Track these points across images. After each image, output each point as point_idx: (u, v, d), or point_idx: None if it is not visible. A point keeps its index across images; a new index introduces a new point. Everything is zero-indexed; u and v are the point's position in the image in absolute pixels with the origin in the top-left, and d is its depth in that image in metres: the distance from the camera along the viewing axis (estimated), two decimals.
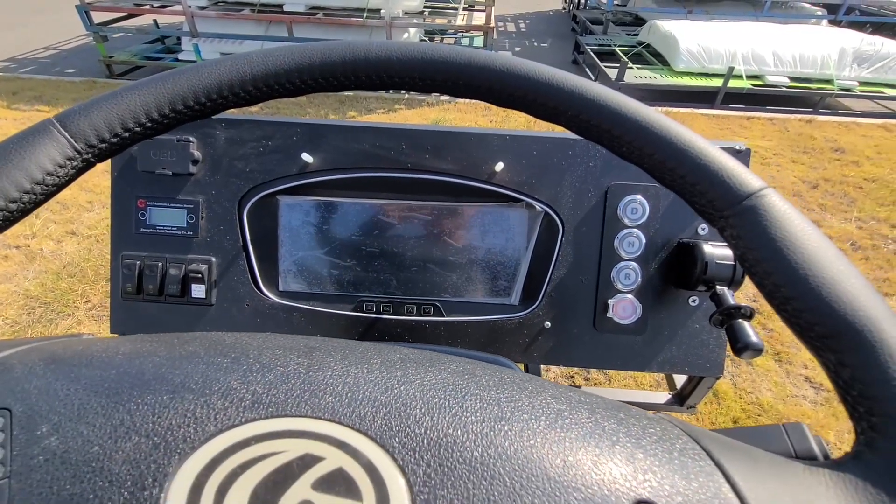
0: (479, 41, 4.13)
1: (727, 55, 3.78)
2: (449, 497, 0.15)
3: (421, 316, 0.53)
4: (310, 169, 0.51)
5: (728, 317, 0.43)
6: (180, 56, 4.18)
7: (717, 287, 0.46)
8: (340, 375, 0.18)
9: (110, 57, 4.02)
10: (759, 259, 0.21)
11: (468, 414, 0.17)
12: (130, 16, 4.29)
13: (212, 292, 0.52)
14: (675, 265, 0.51)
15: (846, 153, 3.14)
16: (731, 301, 0.44)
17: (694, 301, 0.52)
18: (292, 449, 0.16)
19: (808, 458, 0.22)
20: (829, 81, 3.79)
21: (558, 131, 0.52)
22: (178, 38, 4.30)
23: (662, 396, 0.61)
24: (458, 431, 0.16)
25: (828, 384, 1.67)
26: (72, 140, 0.24)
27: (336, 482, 0.15)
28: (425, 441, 0.16)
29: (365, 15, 3.77)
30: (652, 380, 1.63)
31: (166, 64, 4.04)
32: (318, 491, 0.15)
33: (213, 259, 0.52)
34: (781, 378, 1.71)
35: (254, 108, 2.89)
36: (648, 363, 0.52)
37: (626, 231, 0.51)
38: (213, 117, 0.52)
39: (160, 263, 0.52)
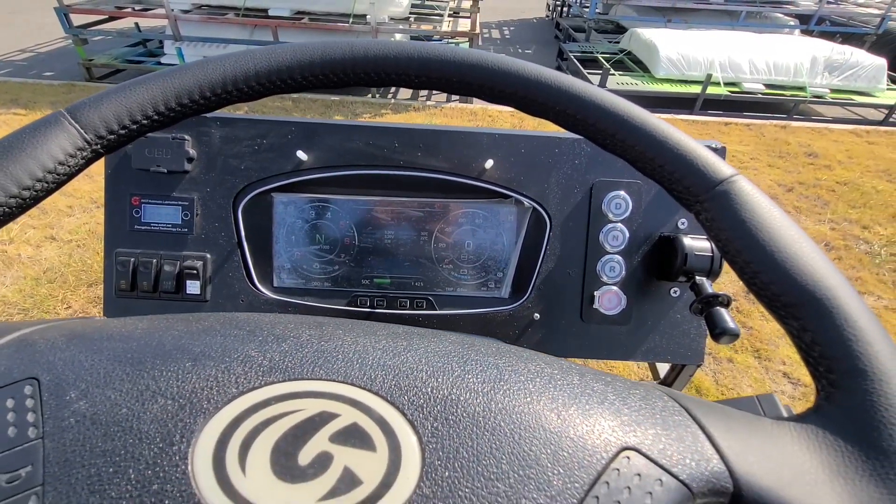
0: (464, 47, 4.16)
1: (705, 63, 3.88)
2: (455, 446, 0.16)
3: (414, 310, 0.55)
4: (304, 167, 0.52)
5: (707, 305, 0.45)
6: (162, 59, 4.12)
7: (697, 277, 0.48)
8: (350, 344, 0.20)
9: (90, 60, 3.94)
10: (731, 238, 0.24)
11: (469, 376, 0.19)
12: (111, 18, 4.21)
13: (206, 288, 0.53)
14: (657, 258, 0.53)
15: (819, 157, 3.25)
16: (710, 290, 0.47)
17: (675, 292, 0.54)
18: (309, 408, 0.17)
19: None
20: (802, 89, 3.93)
21: (546, 130, 0.55)
22: (161, 42, 4.24)
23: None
24: (461, 391, 0.18)
25: (806, 379, 1.73)
26: (82, 131, 0.25)
27: (352, 435, 0.16)
28: (432, 399, 0.18)
29: (350, 20, 3.77)
30: (633, 372, 1.66)
31: (148, 67, 3.98)
32: (336, 443, 0.16)
33: (208, 255, 0.53)
34: (761, 374, 1.76)
35: (242, 111, 2.87)
36: (633, 352, 0.54)
37: (610, 225, 0.53)
38: (207, 115, 0.53)
39: (155, 260, 0.52)
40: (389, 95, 3.98)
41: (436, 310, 0.55)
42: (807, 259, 0.22)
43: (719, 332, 0.43)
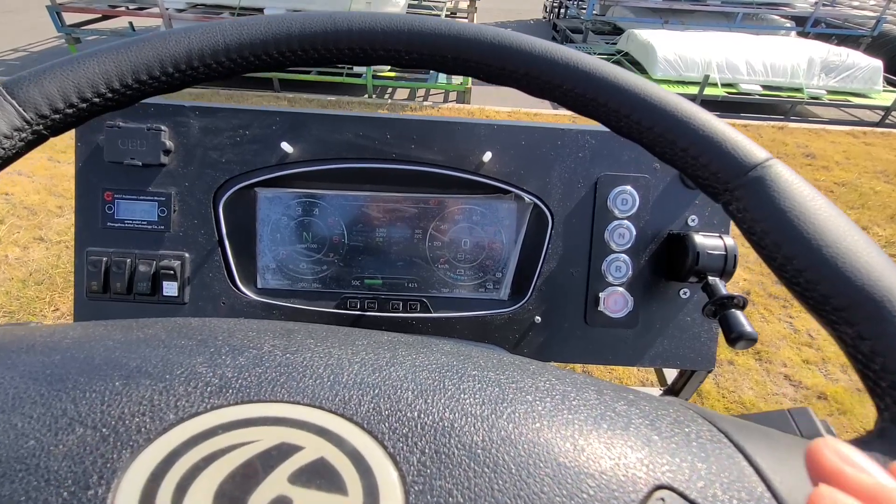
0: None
1: (702, 64, 3.88)
2: (447, 488, 0.13)
3: (407, 312, 0.52)
4: (289, 160, 0.49)
5: (721, 307, 0.42)
6: None
7: (709, 278, 0.45)
8: (322, 357, 0.16)
9: None
10: (768, 230, 0.20)
11: (466, 396, 0.15)
12: (105, 17, 4.17)
13: (185, 290, 0.50)
14: (665, 257, 0.50)
15: (817, 158, 3.25)
16: (724, 291, 0.44)
17: (685, 293, 0.51)
18: (265, 438, 0.14)
19: None
20: (799, 90, 3.93)
21: (547, 121, 0.51)
22: None
23: (654, 392, 0.60)
24: (456, 415, 0.15)
25: (807, 381, 1.71)
26: (20, 109, 0.22)
27: (317, 474, 0.13)
28: (418, 426, 0.14)
29: None
30: (636, 377, 1.64)
31: None
32: (296, 485, 0.13)
33: (187, 255, 0.50)
34: (762, 377, 1.74)
35: None
36: (640, 357, 0.51)
37: (616, 223, 0.50)
38: (185, 104, 0.49)
39: (129, 260, 0.49)
40: (386, 96, 3.95)
41: (430, 312, 0.52)
42: (862, 254, 0.18)
43: (735, 337, 0.40)
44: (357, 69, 3.74)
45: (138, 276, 0.49)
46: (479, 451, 0.14)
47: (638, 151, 0.50)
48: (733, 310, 0.42)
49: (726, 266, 0.46)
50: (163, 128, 0.48)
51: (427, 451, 0.14)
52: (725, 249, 0.46)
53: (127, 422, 0.14)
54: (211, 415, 0.14)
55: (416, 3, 4.58)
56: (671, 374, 0.61)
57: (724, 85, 3.88)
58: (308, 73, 3.75)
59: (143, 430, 0.14)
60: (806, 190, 0.21)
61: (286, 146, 0.48)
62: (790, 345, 1.86)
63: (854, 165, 3.20)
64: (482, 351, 0.19)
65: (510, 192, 0.51)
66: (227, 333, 0.17)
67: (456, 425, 0.14)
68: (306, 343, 0.17)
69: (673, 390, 0.58)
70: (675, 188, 0.50)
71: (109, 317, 0.50)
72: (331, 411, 0.14)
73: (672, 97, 0.24)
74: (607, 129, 0.51)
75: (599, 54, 4.45)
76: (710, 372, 0.53)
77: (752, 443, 0.16)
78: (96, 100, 0.24)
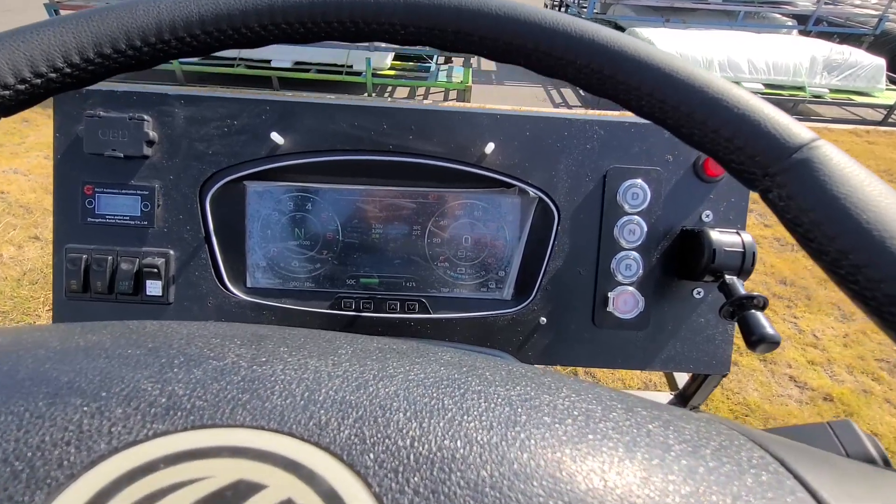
0: None
1: (704, 62, 3.86)
2: None
3: (405, 313, 0.49)
4: (280, 151, 0.47)
5: (739, 307, 0.40)
6: None
7: (726, 277, 0.43)
8: (296, 369, 0.13)
9: None
10: (819, 221, 0.18)
11: (470, 418, 0.13)
12: None
13: (169, 289, 0.47)
14: (678, 254, 0.48)
15: None
16: (742, 291, 0.41)
17: (699, 293, 0.48)
18: (219, 474, 0.11)
19: (865, 460, 0.19)
20: (801, 88, 3.91)
21: (553, 111, 0.49)
22: None
23: (663, 397, 0.57)
24: (458, 442, 0.12)
25: (813, 382, 1.69)
26: None
27: None
28: (412, 458, 0.11)
29: None
30: (640, 379, 1.61)
31: None
32: None
33: (171, 252, 0.47)
34: (766, 378, 1.71)
35: None
36: (651, 361, 0.48)
37: (626, 218, 0.47)
38: (170, 93, 0.47)
39: (110, 257, 0.46)
40: (386, 95, 3.93)
41: (429, 313, 0.49)
42: None
43: (756, 340, 0.37)
44: (357, 67, 3.70)
45: (120, 275, 0.46)
46: (487, 489, 0.11)
47: (649, 143, 0.47)
48: (753, 311, 0.39)
49: (744, 264, 0.43)
50: (146, 117, 0.45)
51: (422, 489, 0.11)
52: (743, 246, 0.43)
53: (47, 453, 0.11)
54: (152, 444, 0.11)
55: None
56: (681, 378, 0.58)
57: None
58: (307, 71, 3.72)
59: (65, 463, 0.11)
60: (861, 173, 0.18)
61: (277, 137, 0.46)
62: (795, 345, 1.83)
63: None
64: (487, 360, 0.16)
65: (514, 185, 0.48)
66: (184, 340, 0.14)
67: (458, 456, 0.12)
68: (278, 352, 0.14)
69: (684, 395, 0.55)
70: (688, 181, 0.47)
71: (90, 317, 0.47)
72: (303, 439, 0.11)
73: (701, 72, 0.22)
74: (617, 119, 0.48)
75: None
76: (724, 376, 0.50)
77: (813, 472, 0.14)
78: (52, 75, 0.21)
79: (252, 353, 0.14)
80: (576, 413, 0.13)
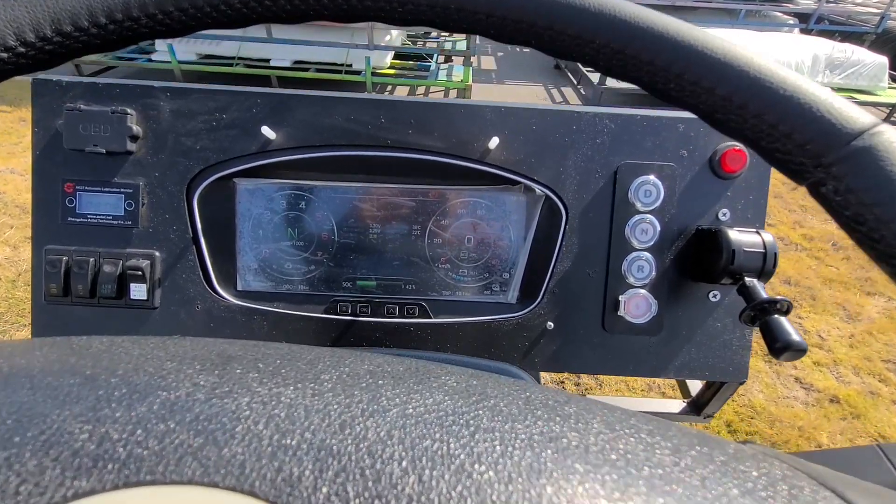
0: (461, 44, 4.08)
1: None
2: None
3: (404, 318, 0.47)
4: (272, 147, 0.45)
5: (761, 312, 0.37)
6: (154, 56, 4.02)
7: (746, 279, 0.40)
8: (266, 402, 0.11)
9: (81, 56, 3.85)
10: (886, 218, 0.15)
11: (483, 467, 0.10)
12: None
13: (155, 293, 0.45)
14: (693, 255, 0.45)
15: None
16: (764, 294, 0.39)
17: (715, 296, 0.46)
18: None
19: None
20: None
21: (560, 104, 0.46)
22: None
23: (675, 405, 0.55)
24: (471, 501, 0.09)
25: (819, 384, 1.66)
26: None
27: None
28: None
29: None
30: (644, 381, 1.58)
31: (139, 65, 3.88)
32: None
33: (157, 254, 0.45)
34: (772, 379, 1.69)
35: None
36: (664, 368, 0.46)
37: (638, 217, 0.45)
38: (155, 84, 0.44)
39: (92, 259, 0.44)
40: (386, 94, 3.90)
41: (430, 318, 0.47)
42: None
43: (781, 347, 0.35)
44: (356, 66, 3.68)
45: (102, 278, 0.44)
46: None
47: (663, 137, 0.45)
48: (776, 315, 0.37)
49: (765, 266, 0.41)
50: (129, 111, 0.43)
51: None
52: (764, 247, 0.41)
53: None
54: None
55: None
56: (694, 384, 0.55)
57: None
58: (306, 70, 3.70)
59: None
60: None
61: (268, 131, 0.43)
62: None
63: None
64: (500, 385, 0.14)
65: (519, 182, 0.46)
66: (132, 364, 0.12)
67: None
68: (246, 379, 0.11)
69: (698, 403, 0.53)
70: (704, 178, 0.45)
71: (71, 322, 0.45)
72: (267, 501, 0.09)
73: (740, 51, 0.19)
74: (628, 113, 0.46)
75: None
76: (741, 384, 0.48)
77: None
78: (3, 55, 0.19)
79: (213, 381, 0.11)
80: (613, 457, 0.11)
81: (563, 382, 1.59)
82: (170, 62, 3.74)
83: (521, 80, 4.42)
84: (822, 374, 1.71)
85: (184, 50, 3.86)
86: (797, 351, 0.35)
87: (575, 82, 4.23)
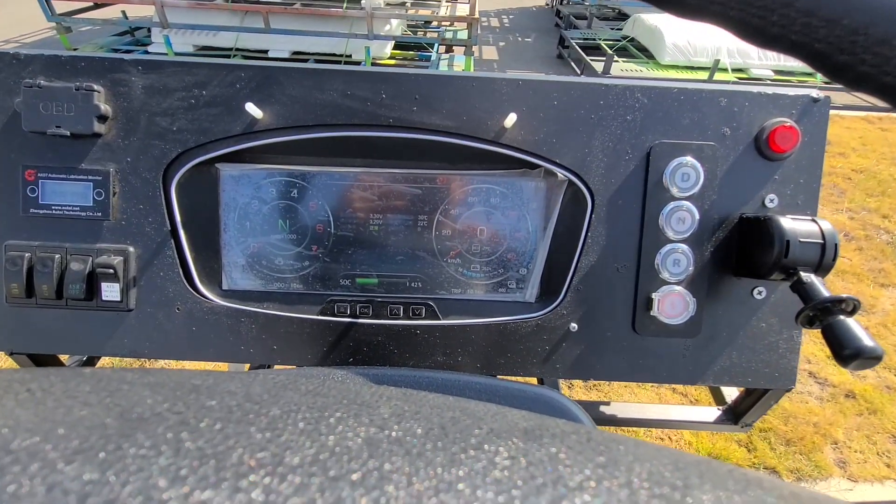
0: (462, 34, 4.05)
1: (712, 49, 3.88)
2: None
3: (409, 319, 0.43)
4: (259, 127, 0.41)
5: (824, 312, 0.33)
6: (150, 48, 4.01)
7: (802, 274, 0.35)
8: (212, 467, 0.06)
9: (74, 49, 3.85)
10: None
11: None
12: (97, 6, 4.11)
13: (129, 293, 0.41)
14: (736, 247, 0.41)
15: (833, 145, 3.20)
16: (825, 292, 0.34)
17: (760, 293, 0.42)
18: None
19: None
20: (811, 74, 3.90)
21: (584, 77, 0.42)
22: (149, 30, 4.12)
23: (710, 412, 0.50)
24: None
25: (833, 378, 1.63)
26: None
27: None
28: None
29: (345, 5, 3.66)
30: (671, 391, 1.54)
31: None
32: None
33: (131, 249, 0.42)
34: None
35: None
36: (702, 374, 0.42)
37: (674, 204, 0.42)
38: (125, 57, 0.39)
39: (58, 256, 0.40)
40: None
41: (439, 319, 0.44)
42: None
43: (851, 354, 0.30)
44: (356, 56, 3.66)
45: (70, 277, 0.40)
46: None
47: (702, 113, 0.40)
48: (841, 317, 0.32)
49: (824, 258, 0.36)
50: (96, 87, 0.39)
51: None
52: (823, 237, 0.36)
53: None
54: None
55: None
56: (730, 391, 0.51)
57: (734, 70, 3.89)
58: (305, 60, 3.68)
59: None
60: None
61: (254, 109, 0.40)
62: (813, 339, 1.78)
63: (871, 151, 3.15)
64: (544, 427, 0.09)
65: (539, 166, 0.42)
66: (66, 409, 0.08)
67: None
68: (229, 431, 0.07)
69: (735, 411, 0.48)
70: (749, 159, 0.41)
71: (37, 326, 0.41)
72: None
73: None
74: (663, 85, 0.41)
75: (605, 40, 4.37)
76: (788, 391, 0.43)
77: None
78: None
79: (172, 438, 0.07)
80: None
81: (570, 386, 1.55)
82: (166, 54, 3.72)
83: (526, 70, 4.38)
84: (837, 368, 1.68)
85: (180, 41, 3.84)
86: (870, 358, 0.30)
87: (578, 72, 4.18)
